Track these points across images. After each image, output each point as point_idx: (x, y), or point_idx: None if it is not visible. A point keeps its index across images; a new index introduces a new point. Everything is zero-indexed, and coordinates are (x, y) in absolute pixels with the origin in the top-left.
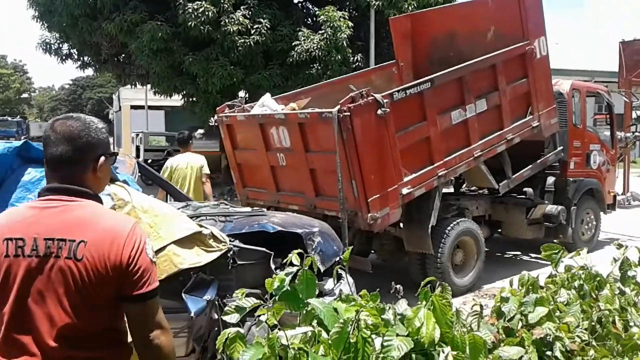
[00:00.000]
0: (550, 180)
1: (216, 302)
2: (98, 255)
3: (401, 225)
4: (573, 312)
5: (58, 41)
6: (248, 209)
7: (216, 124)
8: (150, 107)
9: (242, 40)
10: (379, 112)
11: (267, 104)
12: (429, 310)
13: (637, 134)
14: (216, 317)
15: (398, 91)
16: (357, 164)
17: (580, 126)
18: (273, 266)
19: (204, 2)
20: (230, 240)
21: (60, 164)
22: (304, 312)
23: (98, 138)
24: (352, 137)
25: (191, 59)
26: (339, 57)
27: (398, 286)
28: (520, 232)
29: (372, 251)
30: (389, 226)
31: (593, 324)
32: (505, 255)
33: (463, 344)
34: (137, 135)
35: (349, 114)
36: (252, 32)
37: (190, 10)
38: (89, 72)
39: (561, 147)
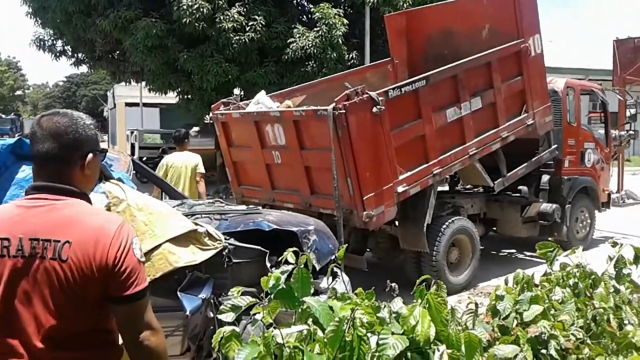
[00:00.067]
0: (545, 178)
1: (211, 301)
2: (83, 256)
3: (396, 223)
4: (568, 310)
5: (52, 38)
6: (243, 207)
7: (211, 121)
8: (145, 105)
9: (237, 38)
10: (374, 109)
11: (262, 102)
12: (424, 308)
13: (631, 132)
14: (211, 315)
15: (393, 89)
16: (352, 162)
17: (575, 124)
18: (268, 264)
19: None
20: (225, 239)
21: (46, 161)
22: (300, 310)
23: (86, 134)
24: (348, 134)
25: (186, 56)
26: (334, 54)
27: (393, 284)
28: (515, 230)
29: (368, 249)
30: (384, 224)
31: (588, 322)
32: (500, 254)
33: (458, 342)
34: (132, 132)
35: (344, 111)
36: (247, 29)
37: (184, 7)
38: (84, 69)
39: (556, 145)
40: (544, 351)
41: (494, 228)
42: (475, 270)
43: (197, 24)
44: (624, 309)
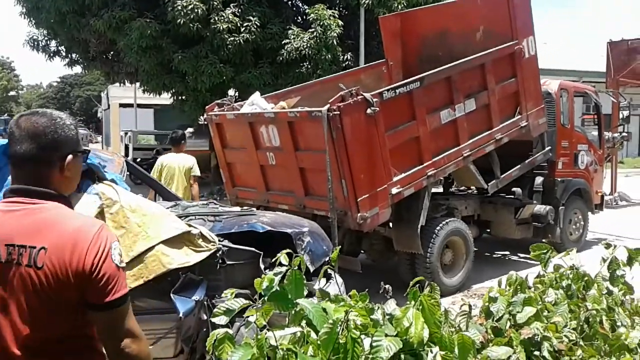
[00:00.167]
0: (539, 180)
1: (205, 303)
2: (59, 263)
3: (390, 225)
4: (561, 312)
5: (46, 38)
6: (237, 208)
7: (205, 122)
8: (139, 106)
9: (232, 38)
10: (369, 111)
11: (256, 103)
12: (418, 310)
13: (624, 134)
14: (205, 317)
15: (387, 90)
16: (346, 163)
17: (568, 126)
18: (262, 266)
19: (193, 0)
20: (219, 240)
21: (24, 162)
22: (293, 312)
23: (65, 135)
24: (342, 136)
25: (180, 56)
26: (329, 55)
27: (387, 286)
28: (509, 232)
29: (362, 251)
30: (378, 226)
31: (581, 324)
32: (494, 255)
33: (452, 344)
34: (126, 133)
35: (338, 113)
36: (242, 30)
37: (179, 7)
38: (77, 69)
39: (549, 147)
40: (537, 353)
41: (488, 230)
42: (469, 271)
43: (191, 25)
44: (616, 310)
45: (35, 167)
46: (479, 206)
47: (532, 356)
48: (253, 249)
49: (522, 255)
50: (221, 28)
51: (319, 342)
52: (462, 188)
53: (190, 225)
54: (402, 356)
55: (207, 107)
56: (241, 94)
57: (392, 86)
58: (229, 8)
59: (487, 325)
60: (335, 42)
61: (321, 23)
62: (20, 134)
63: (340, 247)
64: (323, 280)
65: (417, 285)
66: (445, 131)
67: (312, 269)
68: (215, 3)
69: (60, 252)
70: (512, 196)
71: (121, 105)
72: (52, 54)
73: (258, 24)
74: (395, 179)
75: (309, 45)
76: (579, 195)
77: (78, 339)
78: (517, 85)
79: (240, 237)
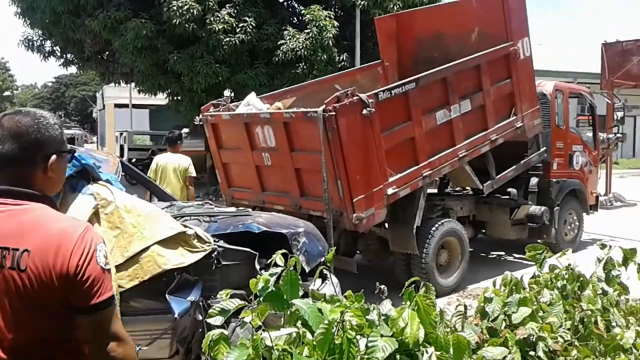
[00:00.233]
0: (534, 181)
1: (200, 303)
2: (42, 265)
3: (386, 225)
4: (556, 312)
5: (41, 38)
6: (233, 209)
7: (201, 123)
8: (134, 106)
9: (228, 39)
10: (364, 111)
11: (252, 103)
12: (413, 310)
13: (619, 135)
14: (200, 318)
15: (383, 91)
16: (342, 164)
17: (563, 127)
18: (258, 267)
19: (188, 0)
20: (214, 241)
21: (6, 163)
22: (289, 313)
23: (49, 135)
24: (338, 136)
25: (176, 57)
26: (325, 56)
27: (382, 287)
28: (504, 233)
29: (357, 251)
30: (374, 226)
31: (576, 324)
32: (490, 256)
33: (447, 344)
34: (121, 134)
35: (334, 113)
36: (238, 30)
37: (175, 7)
38: (72, 69)
39: (544, 148)
40: (532, 353)
41: (483, 230)
42: (465, 272)
43: (187, 25)
44: (611, 311)
45: (18, 167)
46: (475, 207)
47: (528, 356)
48: (248, 249)
49: (517, 255)
50: (217, 28)
51: (314, 342)
52: (458, 189)
53: (185, 226)
54: (398, 356)
55: (202, 107)
56: (237, 94)
57: (387, 87)
58: (224, 9)
59: (483, 325)
60: (330, 43)
61: (317, 24)
62: (2, 134)
63: (335, 247)
64: (319, 281)
65: (413, 286)
66: (440, 132)
67: (307, 270)
68: (211, 3)
69: (44, 254)
70: (508, 197)
71: (116, 105)
72: (47, 54)
73: (254, 24)
74: (391, 179)
75: (304, 46)
76: (574, 196)
77: (64, 342)
78: (512, 87)
79: (235, 238)
